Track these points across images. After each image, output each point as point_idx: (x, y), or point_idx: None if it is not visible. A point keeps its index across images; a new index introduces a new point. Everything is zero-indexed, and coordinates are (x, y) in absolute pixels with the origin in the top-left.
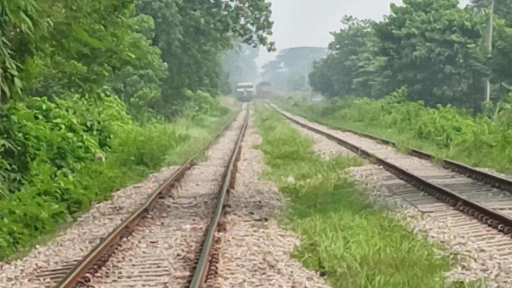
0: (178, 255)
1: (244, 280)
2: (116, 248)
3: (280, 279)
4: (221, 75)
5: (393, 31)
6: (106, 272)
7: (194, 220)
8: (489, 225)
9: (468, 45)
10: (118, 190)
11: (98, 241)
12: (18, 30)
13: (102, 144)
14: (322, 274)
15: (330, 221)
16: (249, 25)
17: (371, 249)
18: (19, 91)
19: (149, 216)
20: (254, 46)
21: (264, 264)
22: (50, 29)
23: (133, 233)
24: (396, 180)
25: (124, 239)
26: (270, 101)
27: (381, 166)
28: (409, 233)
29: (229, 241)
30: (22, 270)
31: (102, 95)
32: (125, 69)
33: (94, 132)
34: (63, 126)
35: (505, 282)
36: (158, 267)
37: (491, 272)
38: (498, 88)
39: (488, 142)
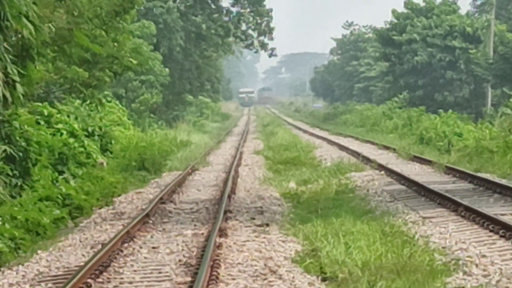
0: (179, 260)
1: (246, 286)
2: (118, 254)
3: (282, 284)
4: (222, 81)
5: (394, 36)
6: (108, 278)
7: (195, 225)
8: (491, 231)
9: (470, 51)
10: (119, 195)
11: (99, 246)
12: (19, 35)
13: (103, 150)
14: (324, 280)
15: (332, 226)
16: (250, 31)
17: (373, 255)
18: (21, 97)
19: (151, 221)
20: (255, 52)
21: (265, 269)
22: (51, 34)
23: (135, 239)
24: (398, 185)
25: (126, 244)
26: (271, 107)
27: (382, 172)
28: (410, 238)
29: (230, 246)
30: (23, 276)
31: (104, 100)
32: (126, 74)
33: (96, 138)
34: (64, 132)
35: (507, 287)
36: (160, 272)
37: (492, 278)
38: (499, 94)
39: (489, 148)
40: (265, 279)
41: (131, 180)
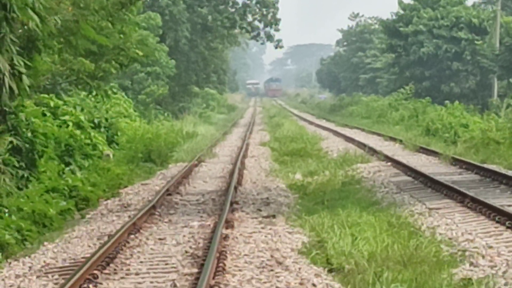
0: (186, 252)
1: (252, 277)
2: (124, 245)
3: (288, 276)
4: (228, 72)
5: (401, 28)
6: (114, 269)
7: (201, 217)
8: (497, 222)
9: (476, 42)
10: (125, 187)
11: (106, 238)
12: (25, 27)
13: (109, 141)
14: (330, 271)
15: (338, 218)
16: (256, 22)
17: (379, 246)
18: (27, 88)
19: (157, 213)
20: (262, 43)
21: (272, 261)
22: (57, 26)
23: (141, 230)
24: (404, 177)
25: (132, 236)
26: (278, 98)
27: (388, 163)
28: (417, 229)
29: (237, 238)
30: (30, 267)
31: (110, 92)
32: (132, 66)
33: (102, 129)
34: (70, 123)
35: None
36: (166, 264)
37: (499, 269)
38: (505, 85)
39: (495, 139)
40: (271, 270)
41: (137, 172)
